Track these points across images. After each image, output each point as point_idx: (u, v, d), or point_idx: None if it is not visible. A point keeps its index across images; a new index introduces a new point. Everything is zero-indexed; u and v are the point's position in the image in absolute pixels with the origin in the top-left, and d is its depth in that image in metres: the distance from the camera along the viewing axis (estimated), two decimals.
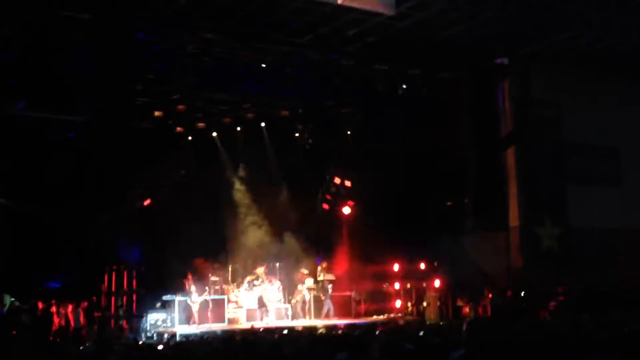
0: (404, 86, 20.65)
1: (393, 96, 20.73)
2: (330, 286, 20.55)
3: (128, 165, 18.33)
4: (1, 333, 15.52)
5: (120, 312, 19.22)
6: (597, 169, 22.17)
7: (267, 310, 19.44)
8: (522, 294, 19.42)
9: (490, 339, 7.61)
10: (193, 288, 18.70)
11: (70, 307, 17.80)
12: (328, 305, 20.32)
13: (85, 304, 18.08)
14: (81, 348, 14.00)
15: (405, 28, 17.80)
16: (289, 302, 20.32)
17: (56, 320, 17.61)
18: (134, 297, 19.45)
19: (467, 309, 20.13)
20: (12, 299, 17.11)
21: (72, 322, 17.70)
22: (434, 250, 21.35)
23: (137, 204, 20.11)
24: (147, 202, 20.36)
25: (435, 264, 21.47)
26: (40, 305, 17.43)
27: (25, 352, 13.46)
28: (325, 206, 23.55)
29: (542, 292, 19.22)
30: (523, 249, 20.59)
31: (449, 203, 22.18)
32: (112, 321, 19.15)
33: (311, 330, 15.32)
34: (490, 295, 19.73)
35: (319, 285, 20.54)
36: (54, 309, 17.61)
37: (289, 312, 20.01)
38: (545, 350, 7.69)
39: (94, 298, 18.75)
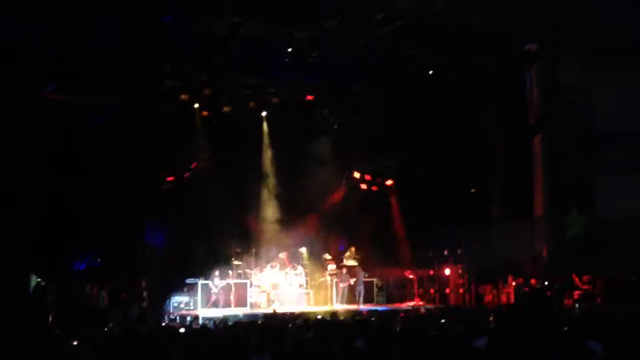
0: (432, 71, 20.50)
1: (421, 81, 20.56)
2: (362, 273, 20.55)
3: (154, 148, 18.36)
4: (26, 313, 15.65)
5: (144, 294, 19.33)
6: (627, 158, 21.80)
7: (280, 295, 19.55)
8: (547, 283, 19.26)
9: (514, 327, 7.54)
10: (217, 272, 18.96)
11: (94, 289, 17.92)
12: (361, 291, 20.31)
13: (110, 285, 18.19)
14: (105, 329, 14.11)
15: (434, 12, 17.56)
16: (312, 287, 20.34)
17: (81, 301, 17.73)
18: (158, 279, 19.56)
19: (490, 297, 20.04)
20: (38, 279, 17.26)
21: (96, 304, 17.82)
22: (458, 238, 21.20)
23: (162, 188, 20.18)
24: (171, 186, 20.40)
25: (459, 251, 21.34)
26: (65, 285, 17.55)
27: (50, 332, 13.58)
28: (347, 191, 23.43)
29: (567, 281, 19.05)
30: (548, 238, 20.40)
31: (474, 190, 22.00)
32: (136, 303, 19.26)
33: (332, 315, 15.31)
34: (514, 284, 19.60)
35: (344, 271, 20.50)
36: (78, 289, 17.73)
37: (312, 298, 20.03)
38: (570, 339, 7.60)
39: (119, 280, 18.86)
